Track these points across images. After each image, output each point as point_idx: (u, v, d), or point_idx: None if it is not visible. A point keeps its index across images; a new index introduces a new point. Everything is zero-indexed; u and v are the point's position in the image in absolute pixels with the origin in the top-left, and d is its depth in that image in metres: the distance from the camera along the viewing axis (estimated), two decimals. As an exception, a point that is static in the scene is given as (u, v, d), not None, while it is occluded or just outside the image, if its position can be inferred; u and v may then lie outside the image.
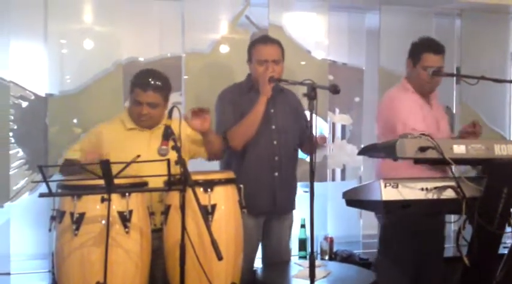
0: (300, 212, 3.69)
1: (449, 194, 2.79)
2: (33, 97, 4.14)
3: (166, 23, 4.47)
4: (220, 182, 2.87)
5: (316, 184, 2.65)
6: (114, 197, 2.60)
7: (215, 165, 3.54)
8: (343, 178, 5.24)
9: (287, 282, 3.16)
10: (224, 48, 4.46)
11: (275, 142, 3.39)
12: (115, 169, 2.51)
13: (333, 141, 5.08)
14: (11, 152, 4.04)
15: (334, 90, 2.74)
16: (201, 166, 3.35)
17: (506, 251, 3.03)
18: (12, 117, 4.06)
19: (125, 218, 2.69)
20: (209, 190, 2.80)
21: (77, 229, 2.64)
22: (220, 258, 2.40)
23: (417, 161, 2.99)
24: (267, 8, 4.50)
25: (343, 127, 5.13)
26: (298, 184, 3.63)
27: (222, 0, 4.49)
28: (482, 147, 2.78)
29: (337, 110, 5.04)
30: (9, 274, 3.94)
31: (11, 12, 3.97)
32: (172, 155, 2.61)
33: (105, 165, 2.45)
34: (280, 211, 3.47)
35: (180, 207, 2.62)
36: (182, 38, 4.32)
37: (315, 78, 2.83)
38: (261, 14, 4.54)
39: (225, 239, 2.78)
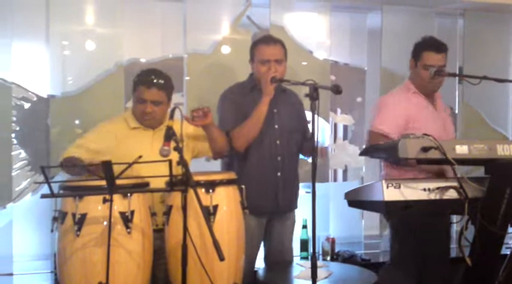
0: (302, 213, 3.68)
1: (451, 194, 2.79)
2: (35, 98, 4.15)
3: (168, 24, 4.47)
4: (222, 183, 2.87)
5: (318, 185, 2.65)
6: (116, 198, 2.59)
7: (217, 165, 3.54)
8: (345, 178, 5.23)
9: (289, 283, 3.15)
10: (226, 49, 4.46)
11: (278, 142, 3.38)
12: (116, 168, 2.50)
13: (334, 141, 5.07)
14: (13, 153, 4.04)
15: (336, 90, 2.73)
16: (202, 166, 3.35)
17: (508, 252, 3.03)
18: (14, 118, 4.07)
19: (126, 219, 2.69)
20: (211, 190, 2.80)
21: (79, 229, 2.64)
22: (222, 259, 2.39)
23: (420, 161, 2.99)
24: (268, 8, 4.49)
25: (345, 127, 5.12)
26: (300, 184, 3.62)
27: (224, 0, 4.48)
28: (484, 147, 2.78)
29: (339, 110, 5.04)
30: (11, 274, 3.96)
31: (13, 13, 3.97)
32: (175, 156, 2.61)
33: (107, 166, 2.45)
34: (282, 211, 3.46)
35: (181, 208, 2.61)
36: (184, 38, 4.32)
37: (316, 79, 2.82)
38: (262, 15, 4.53)
39: (227, 240, 2.78)
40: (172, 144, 2.67)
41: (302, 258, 4.29)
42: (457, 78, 4.86)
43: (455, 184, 2.78)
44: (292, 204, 3.52)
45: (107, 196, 2.51)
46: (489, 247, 2.85)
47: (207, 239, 2.61)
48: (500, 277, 2.93)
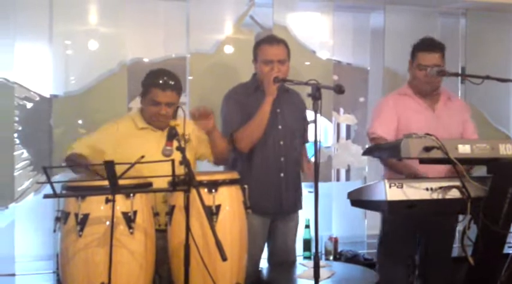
0: (305, 212, 3.68)
1: (454, 194, 2.79)
2: (37, 98, 4.15)
3: (170, 24, 4.47)
4: (224, 182, 2.86)
5: (320, 185, 2.64)
6: (119, 198, 2.60)
7: (220, 165, 3.53)
8: (347, 178, 5.24)
9: (292, 282, 3.15)
10: (229, 49, 4.46)
11: (281, 143, 3.38)
12: (119, 167, 2.49)
13: (337, 141, 5.07)
14: (15, 153, 4.05)
15: (339, 90, 2.72)
16: (205, 166, 3.34)
17: (511, 251, 3.02)
18: (16, 118, 4.07)
19: (129, 219, 2.69)
20: (213, 190, 2.80)
21: (82, 230, 2.64)
22: (224, 259, 2.39)
23: (422, 161, 2.99)
24: (271, 8, 4.50)
25: (348, 127, 5.13)
26: (303, 184, 3.62)
27: (227, 0, 4.49)
28: (487, 146, 2.78)
29: (341, 110, 5.03)
30: (14, 275, 3.96)
31: (16, 13, 3.98)
32: (178, 156, 2.60)
33: (109, 166, 2.45)
34: (286, 212, 3.46)
35: (184, 208, 2.62)
36: (187, 38, 4.33)
37: (319, 78, 2.81)
38: (265, 14, 4.54)
39: (230, 240, 2.78)
40: (175, 143, 2.67)
41: (305, 258, 4.28)
42: (459, 77, 4.86)
43: (457, 183, 2.78)
44: (296, 205, 3.52)
45: (110, 196, 2.51)
46: (492, 247, 2.84)
47: (209, 239, 2.61)
48: (503, 277, 2.92)
